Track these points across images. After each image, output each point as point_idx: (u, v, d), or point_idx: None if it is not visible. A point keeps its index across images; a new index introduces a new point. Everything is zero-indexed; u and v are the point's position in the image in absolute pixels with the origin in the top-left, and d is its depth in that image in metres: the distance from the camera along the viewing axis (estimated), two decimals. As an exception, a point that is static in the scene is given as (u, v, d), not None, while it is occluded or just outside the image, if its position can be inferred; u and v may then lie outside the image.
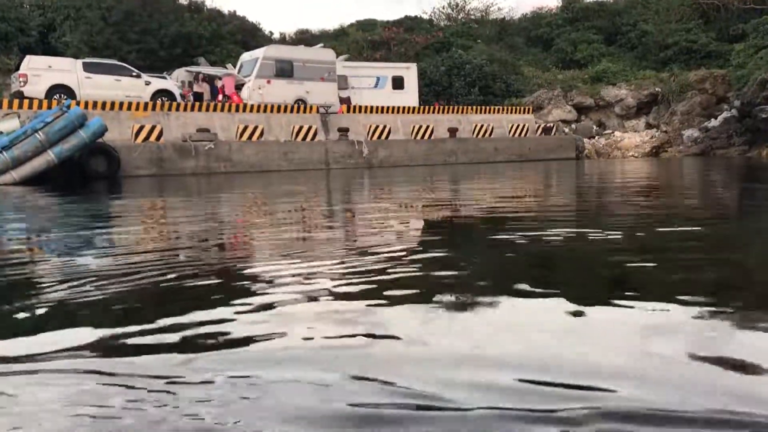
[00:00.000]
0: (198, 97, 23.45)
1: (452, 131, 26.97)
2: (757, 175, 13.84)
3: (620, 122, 34.94)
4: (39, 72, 20.27)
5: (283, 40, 42.56)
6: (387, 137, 25.23)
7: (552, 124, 31.11)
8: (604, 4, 43.29)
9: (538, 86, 35.97)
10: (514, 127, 29.06)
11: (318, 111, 24.27)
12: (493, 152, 27.23)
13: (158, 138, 20.31)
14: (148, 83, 22.00)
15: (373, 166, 23.62)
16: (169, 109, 21.40)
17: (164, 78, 23.71)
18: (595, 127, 34.25)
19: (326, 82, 25.51)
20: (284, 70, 24.77)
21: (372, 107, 26.00)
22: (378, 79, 28.48)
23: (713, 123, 30.27)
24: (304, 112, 24.10)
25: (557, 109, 34.26)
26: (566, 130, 32.48)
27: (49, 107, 18.32)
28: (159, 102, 21.49)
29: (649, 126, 34.11)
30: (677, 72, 34.76)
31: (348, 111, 25.50)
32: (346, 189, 12.11)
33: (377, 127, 25.14)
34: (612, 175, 15.04)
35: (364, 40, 39.66)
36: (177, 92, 22.77)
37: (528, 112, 30.81)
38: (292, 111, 23.86)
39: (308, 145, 23.11)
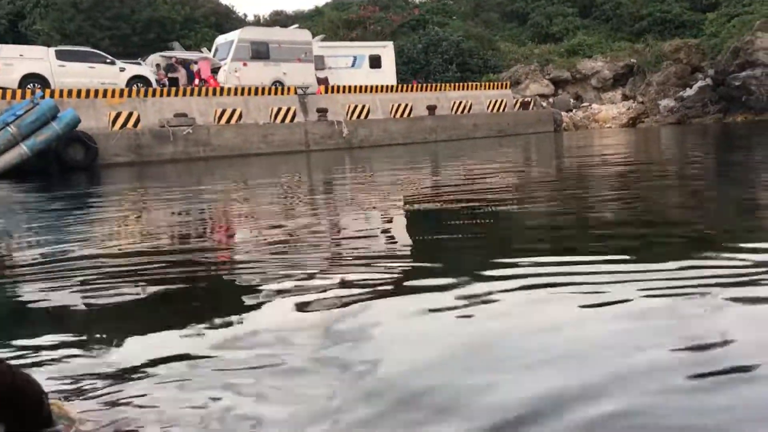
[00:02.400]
0: (174, 82, 23.23)
1: (431, 109, 26.98)
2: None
3: (597, 94, 35.10)
4: (11, 61, 19.91)
5: (257, 22, 42.15)
6: (366, 117, 25.20)
7: (530, 99, 31.21)
8: (578, -24, 43.21)
9: (514, 61, 35.98)
10: (492, 103, 29.12)
11: (296, 92, 24.15)
12: (473, 128, 27.31)
13: (135, 125, 20.14)
14: (122, 70, 21.73)
15: (353, 146, 23.62)
16: (145, 95, 21.17)
17: (139, 64, 23.44)
18: (572, 100, 34.39)
19: (303, 63, 25.35)
20: (260, 52, 24.56)
21: (350, 87, 25.89)
22: (355, 58, 28.35)
23: (688, 92, 30.52)
24: (282, 93, 23.96)
25: (534, 83, 34.32)
26: (544, 104, 32.60)
27: (23, 97, 18.08)
28: (135, 88, 21.24)
29: (625, 97, 34.30)
30: (652, 43, 34.93)
31: (326, 92, 25.39)
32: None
33: (356, 106, 25.08)
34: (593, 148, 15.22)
35: (339, 20, 39.38)
36: (152, 78, 22.52)
37: (505, 88, 30.85)
38: (269, 93, 23.71)
39: (287, 127, 23.03)
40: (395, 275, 3.08)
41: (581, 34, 38.05)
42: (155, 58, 24.89)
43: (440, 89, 28.61)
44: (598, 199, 5.94)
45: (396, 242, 4.28)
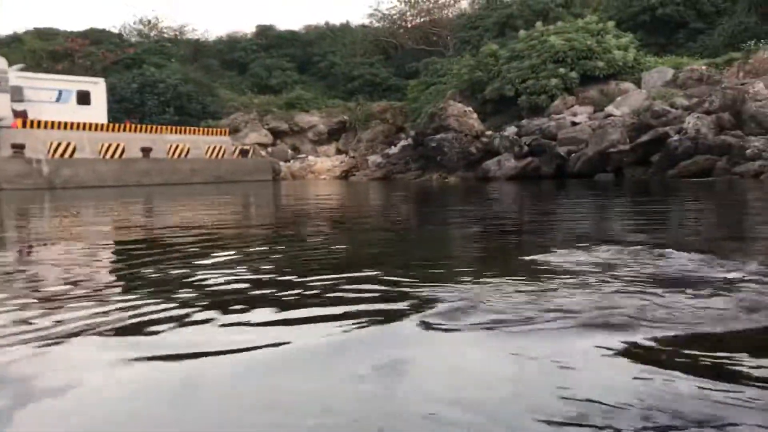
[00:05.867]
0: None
1: (146, 151, 25.80)
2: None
3: (313, 147, 36.72)
4: None
5: (-60, 42, 36.95)
6: (72, 155, 23.25)
7: (249, 147, 31.53)
8: (296, 33, 45.32)
9: (234, 109, 36.25)
10: (211, 149, 28.81)
11: (-14, 124, 21.47)
12: (190, 173, 26.66)
13: None
14: None
15: (55, 186, 21.55)
16: None
17: None
18: (290, 150, 35.51)
19: (-4, 93, 22.71)
20: (-59, 76, 21.50)
21: (54, 122, 23.73)
22: (60, 92, 26.19)
23: (393, 150, 33.25)
24: (-31, 124, 21.13)
25: (254, 132, 34.84)
26: (263, 153, 33.16)
27: None
28: None
29: (339, 151, 36.37)
30: (362, 102, 37.70)
31: (24, 126, 22.95)
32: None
33: (60, 144, 23.03)
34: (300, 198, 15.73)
35: (43, 50, 36.21)
36: None
37: (224, 134, 30.79)
38: (-48, 123, 20.76)
39: (-26, 163, 20.30)
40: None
41: (299, 89, 39.73)
42: None
43: (157, 131, 27.55)
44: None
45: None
